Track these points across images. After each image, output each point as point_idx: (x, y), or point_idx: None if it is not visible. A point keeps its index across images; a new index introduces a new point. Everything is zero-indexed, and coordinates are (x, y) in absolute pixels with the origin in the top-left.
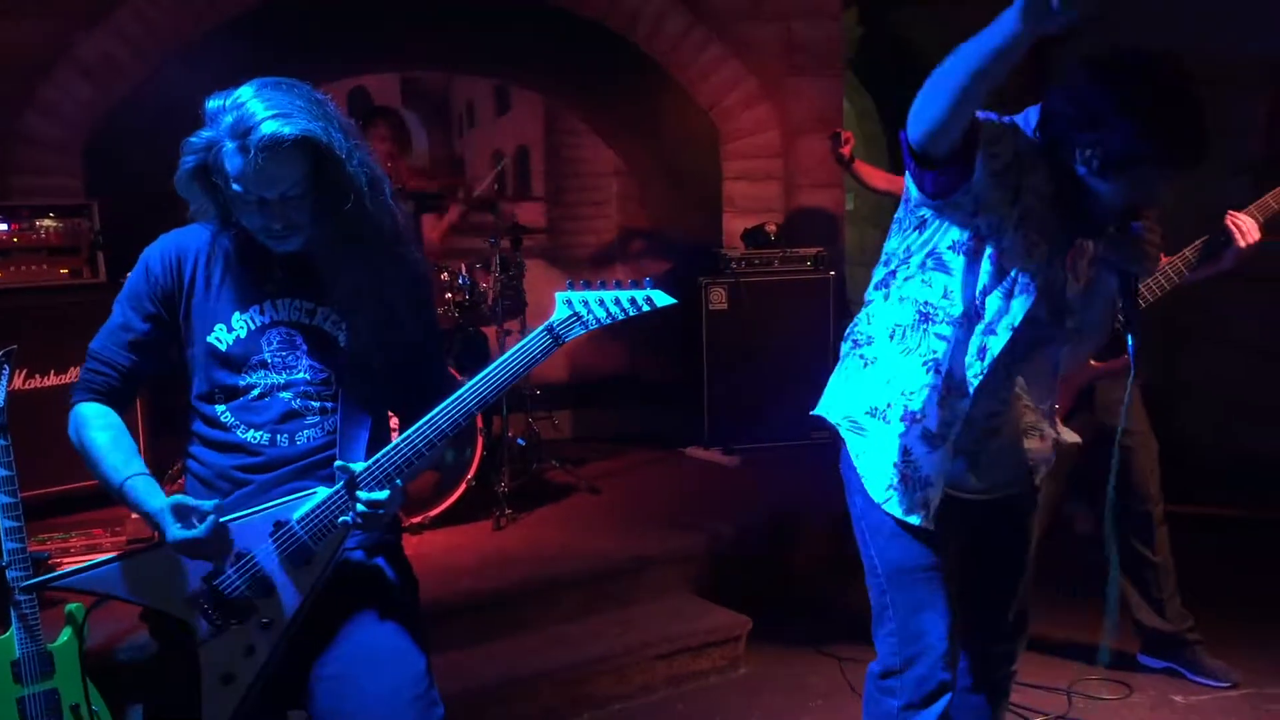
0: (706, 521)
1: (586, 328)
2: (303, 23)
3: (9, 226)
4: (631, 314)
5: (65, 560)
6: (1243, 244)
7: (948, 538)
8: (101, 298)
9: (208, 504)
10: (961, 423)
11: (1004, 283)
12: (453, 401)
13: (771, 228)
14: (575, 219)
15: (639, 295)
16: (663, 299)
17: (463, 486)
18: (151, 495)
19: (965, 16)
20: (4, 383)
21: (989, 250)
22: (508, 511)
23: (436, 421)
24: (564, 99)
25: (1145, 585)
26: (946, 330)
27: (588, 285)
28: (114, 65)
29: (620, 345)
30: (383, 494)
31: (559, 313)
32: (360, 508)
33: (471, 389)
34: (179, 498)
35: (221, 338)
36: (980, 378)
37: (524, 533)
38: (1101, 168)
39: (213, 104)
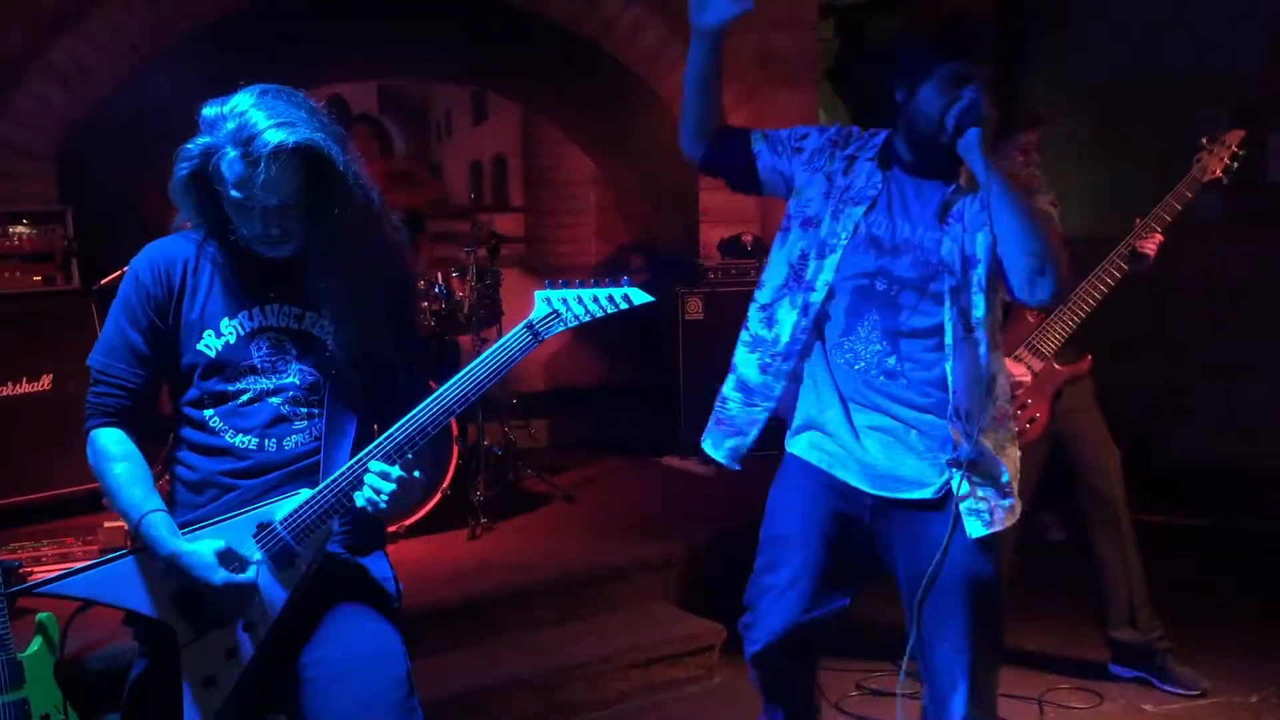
0: (682, 530)
1: (565, 325)
2: (278, 30)
3: None
4: (610, 311)
5: (37, 569)
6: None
7: (821, 518)
8: (76, 304)
9: (256, 553)
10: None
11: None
12: (434, 399)
13: (748, 238)
14: (553, 228)
15: (617, 293)
16: (640, 296)
17: (438, 495)
18: (171, 535)
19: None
20: None
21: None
22: (483, 520)
23: (418, 418)
24: (542, 108)
25: (1116, 591)
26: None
27: (566, 284)
28: (87, 72)
29: (597, 354)
30: (394, 469)
31: (538, 310)
32: (372, 478)
33: (453, 386)
34: (224, 544)
35: (211, 344)
36: (803, 334)
37: (499, 542)
38: (909, 87)
39: (209, 111)
